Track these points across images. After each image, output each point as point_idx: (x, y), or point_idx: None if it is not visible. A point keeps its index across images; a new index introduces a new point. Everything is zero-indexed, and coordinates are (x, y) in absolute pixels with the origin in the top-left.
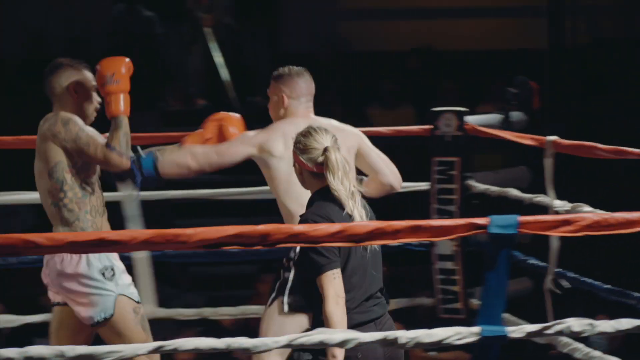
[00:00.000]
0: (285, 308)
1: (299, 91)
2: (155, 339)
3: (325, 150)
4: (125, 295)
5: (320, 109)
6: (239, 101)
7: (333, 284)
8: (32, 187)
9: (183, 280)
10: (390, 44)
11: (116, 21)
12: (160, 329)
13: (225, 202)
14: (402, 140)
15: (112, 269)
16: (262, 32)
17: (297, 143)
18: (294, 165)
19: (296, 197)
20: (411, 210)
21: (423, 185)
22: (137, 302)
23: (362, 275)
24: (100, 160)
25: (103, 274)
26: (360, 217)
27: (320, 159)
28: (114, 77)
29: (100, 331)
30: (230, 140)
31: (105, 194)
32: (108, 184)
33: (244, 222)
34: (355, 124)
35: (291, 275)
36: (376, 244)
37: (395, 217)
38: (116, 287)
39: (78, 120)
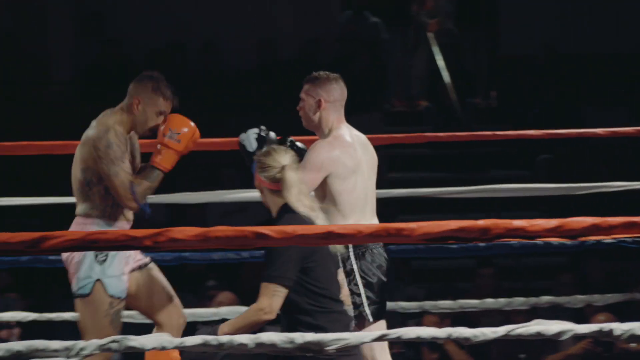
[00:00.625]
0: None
1: (335, 96)
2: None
3: (282, 168)
4: (102, 284)
5: (539, 110)
6: (459, 103)
7: (270, 297)
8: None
9: (404, 273)
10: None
11: (344, 27)
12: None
13: (446, 199)
14: (617, 141)
15: (106, 255)
16: (482, 36)
17: (257, 162)
18: (255, 183)
19: (359, 208)
20: (627, 208)
21: (638, 185)
22: (114, 297)
23: (332, 280)
24: (117, 193)
25: (96, 255)
26: None
27: (278, 176)
28: (177, 135)
29: (77, 306)
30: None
31: None
32: None
33: (463, 218)
34: (571, 125)
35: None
36: (591, 239)
37: (611, 215)
38: (101, 272)
39: (121, 146)
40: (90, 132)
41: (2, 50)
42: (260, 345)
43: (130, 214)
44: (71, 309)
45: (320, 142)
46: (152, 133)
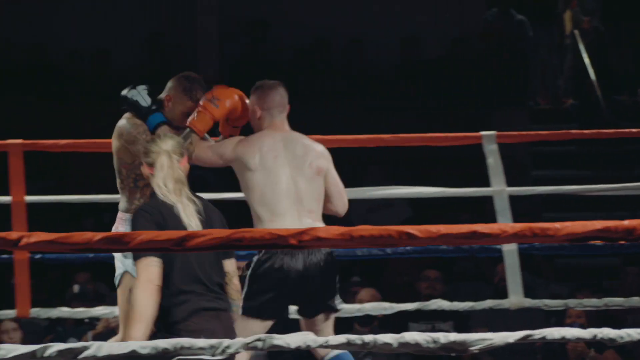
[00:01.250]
0: (240, 312)
1: (270, 103)
2: (522, 328)
3: (159, 153)
4: (130, 275)
5: None
6: (604, 100)
7: (146, 270)
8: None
9: (548, 271)
10: None
11: (489, 24)
12: (527, 318)
13: (591, 197)
14: None
15: None
16: (627, 33)
17: (143, 148)
18: (142, 170)
19: (267, 205)
20: None
21: None
22: None
23: (200, 268)
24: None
25: None
26: (188, 219)
27: (152, 160)
28: (216, 101)
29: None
30: (222, 141)
31: (476, 189)
32: None
33: (607, 216)
34: None
35: (246, 281)
36: None
37: None
38: (128, 265)
39: (138, 127)
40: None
41: (150, 49)
42: (404, 344)
43: None
44: None
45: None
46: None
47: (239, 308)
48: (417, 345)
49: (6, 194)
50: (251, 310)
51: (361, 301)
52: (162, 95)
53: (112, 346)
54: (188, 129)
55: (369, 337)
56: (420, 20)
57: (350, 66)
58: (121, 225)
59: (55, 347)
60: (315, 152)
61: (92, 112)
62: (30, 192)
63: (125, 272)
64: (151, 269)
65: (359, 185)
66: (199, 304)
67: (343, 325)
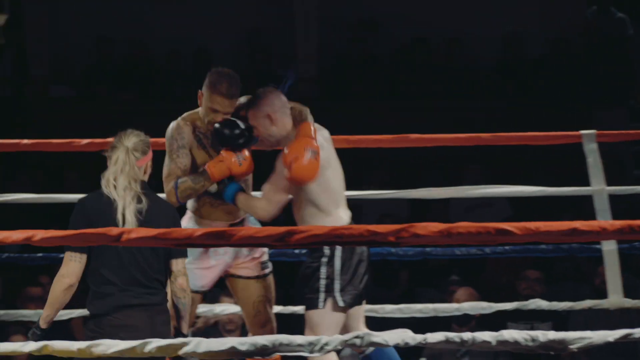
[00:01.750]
0: (341, 304)
1: (277, 104)
2: (622, 328)
3: (119, 148)
4: None
5: None
6: None
7: (65, 265)
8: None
9: None
10: None
11: (590, 23)
12: (627, 319)
13: None
14: None
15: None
16: None
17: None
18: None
19: (333, 198)
20: None
21: None
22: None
23: (129, 263)
24: (164, 180)
25: None
26: (122, 217)
27: (110, 154)
28: (242, 161)
29: None
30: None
31: (576, 188)
32: None
33: None
34: None
35: (336, 272)
36: None
37: None
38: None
39: (178, 140)
40: None
41: (250, 47)
42: (502, 342)
43: (233, 215)
44: None
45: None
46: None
47: (185, 305)
48: (515, 343)
49: None
50: (347, 301)
51: (459, 300)
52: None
53: (211, 342)
54: (205, 174)
55: (467, 335)
56: (522, 18)
57: (449, 63)
58: (185, 222)
59: (155, 342)
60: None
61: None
62: None
63: None
64: (70, 263)
65: (457, 184)
66: (123, 299)
67: (440, 325)
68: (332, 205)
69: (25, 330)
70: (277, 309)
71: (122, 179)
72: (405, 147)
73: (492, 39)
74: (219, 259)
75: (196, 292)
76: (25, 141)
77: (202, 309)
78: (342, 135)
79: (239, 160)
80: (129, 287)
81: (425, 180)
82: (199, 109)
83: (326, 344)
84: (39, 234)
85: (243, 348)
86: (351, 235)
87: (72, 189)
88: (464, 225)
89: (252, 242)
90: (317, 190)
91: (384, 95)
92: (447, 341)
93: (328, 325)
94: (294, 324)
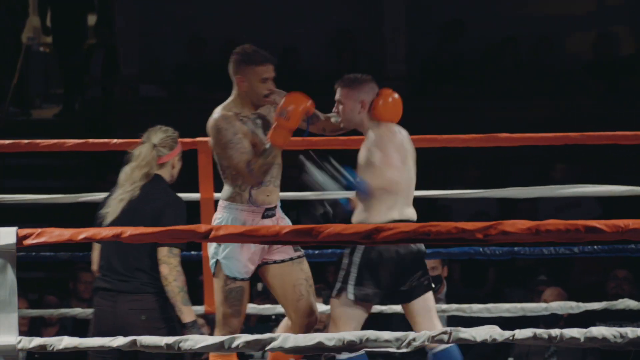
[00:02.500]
0: (350, 297)
1: (370, 97)
2: None
3: (145, 144)
4: (220, 264)
5: None
6: None
7: (174, 258)
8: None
9: None
10: None
11: None
12: None
13: None
14: None
15: None
16: None
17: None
18: None
19: (402, 195)
20: None
21: None
22: (228, 277)
23: (111, 251)
24: (239, 174)
25: None
26: (108, 204)
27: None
28: (287, 112)
29: None
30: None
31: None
32: None
33: None
34: None
35: (353, 266)
36: None
37: None
38: (220, 253)
39: (230, 129)
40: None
41: (338, 47)
42: (590, 339)
43: (271, 198)
44: None
45: (366, 142)
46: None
47: (171, 293)
48: (604, 340)
49: (195, 190)
50: (357, 296)
51: (547, 300)
52: (232, 77)
53: (298, 338)
54: (270, 146)
55: (555, 332)
56: (615, 18)
57: (539, 63)
58: (219, 212)
59: (243, 338)
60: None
61: None
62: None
63: (217, 261)
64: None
65: (546, 183)
66: (97, 283)
67: (528, 325)
68: (394, 202)
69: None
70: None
71: (137, 172)
72: (495, 146)
73: (583, 37)
74: (257, 245)
75: (242, 279)
76: (115, 141)
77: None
78: (431, 134)
79: (284, 116)
80: (105, 273)
81: (515, 179)
82: (232, 101)
83: (414, 340)
84: (128, 231)
85: (330, 343)
86: (439, 232)
87: None
88: (552, 223)
89: (340, 240)
90: (385, 184)
91: (472, 95)
92: (535, 338)
93: (340, 315)
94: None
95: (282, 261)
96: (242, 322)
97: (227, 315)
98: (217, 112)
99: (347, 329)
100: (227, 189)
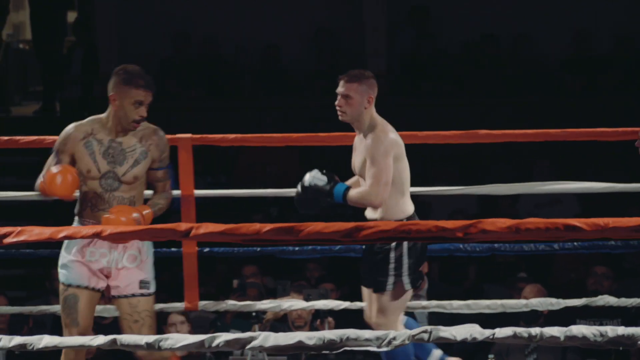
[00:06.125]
0: (407, 287)
1: (376, 92)
2: None
3: None
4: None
5: None
6: None
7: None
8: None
9: None
10: None
11: None
12: None
13: None
14: None
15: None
16: None
17: None
18: None
19: (405, 190)
20: None
21: None
22: (63, 283)
23: None
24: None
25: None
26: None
27: None
28: (45, 178)
29: None
30: (380, 154)
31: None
32: None
33: None
34: None
35: (404, 256)
36: None
37: None
38: (60, 260)
39: (61, 142)
40: None
41: (318, 45)
42: (570, 338)
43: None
44: None
45: (376, 133)
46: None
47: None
48: (584, 339)
49: (175, 187)
50: (412, 283)
51: (527, 297)
52: (108, 96)
53: (279, 336)
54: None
55: (535, 330)
56: (593, 15)
57: (517, 60)
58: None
59: (223, 337)
60: None
61: (262, 108)
62: (200, 187)
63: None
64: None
65: (526, 180)
66: None
67: (508, 321)
68: (400, 194)
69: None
70: (344, 304)
71: None
72: (474, 143)
73: (562, 35)
74: (95, 259)
75: (77, 286)
76: None
77: (271, 304)
78: (411, 131)
79: (44, 181)
80: None
81: (494, 176)
82: (103, 116)
83: (394, 339)
84: (108, 230)
85: (311, 342)
86: (419, 231)
87: None
88: (532, 221)
89: (320, 238)
90: (403, 179)
91: (452, 91)
92: (515, 336)
93: (395, 307)
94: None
95: (119, 297)
96: (82, 332)
97: (65, 324)
98: (75, 123)
99: (398, 318)
100: (77, 203)
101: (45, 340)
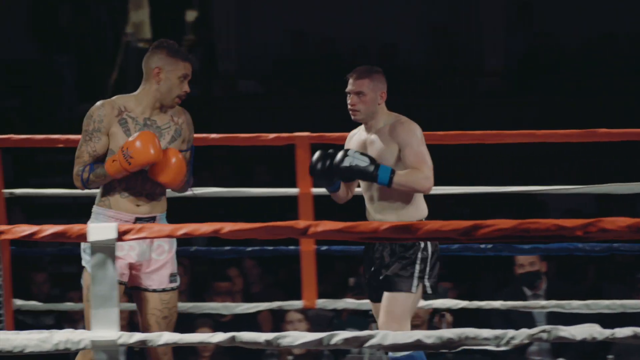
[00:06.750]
0: (429, 290)
1: (386, 87)
2: None
3: None
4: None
5: None
6: None
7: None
8: None
9: None
10: None
11: None
12: None
13: None
14: None
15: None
16: None
17: None
18: None
19: None
20: None
21: None
22: None
23: None
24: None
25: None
26: None
27: None
28: (130, 159)
29: None
30: (418, 140)
31: None
32: None
33: None
34: None
35: (429, 260)
36: None
37: None
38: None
39: (97, 120)
40: None
41: (437, 43)
42: None
43: (142, 208)
44: (501, 297)
45: (404, 122)
46: (181, 102)
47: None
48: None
49: (294, 185)
50: (432, 288)
51: None
52: (145, 76)
53: (397, 335)
54: (104, 170)
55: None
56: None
57: (637, 59)
58: (91, 219)
59: (342, 335)
60: None
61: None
62: (317, 185)
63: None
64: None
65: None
66: None
67: (628, 322)
68: (421, 195)
69: (213, 322)
70: (462, 303)
71: None
72: (593, 141)
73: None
74: (124, 254)
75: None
76: (214, 135)
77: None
78: (529, 130)
79: (126, 158)
80: None
81: (613, 175)
82: (135, 94)
83: (512, 338)
84: (227, 227)
85: (429, 341)
86: (538, 230)
87: (261, 184)
88: None
89: (438, 236)
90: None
91: (570, 90)
92: (636, 337)
93: (411, 309)
94: (482, 319)
95: (147, 290)
96: None
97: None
98: (105, 100)
99: (409, 324)
100: (98, 192)
101: (164, 338)
